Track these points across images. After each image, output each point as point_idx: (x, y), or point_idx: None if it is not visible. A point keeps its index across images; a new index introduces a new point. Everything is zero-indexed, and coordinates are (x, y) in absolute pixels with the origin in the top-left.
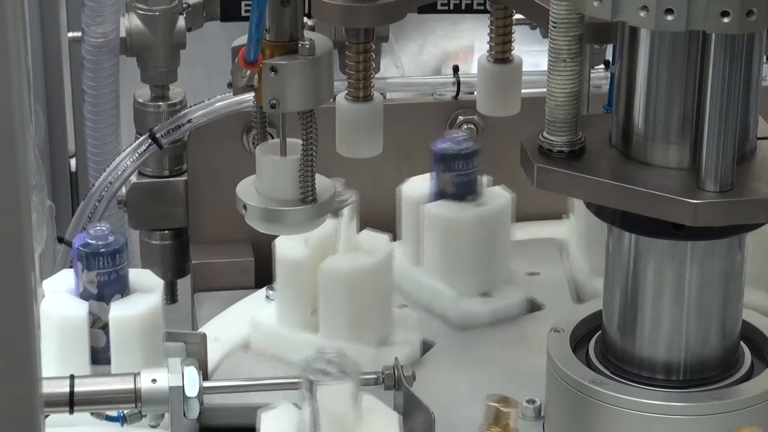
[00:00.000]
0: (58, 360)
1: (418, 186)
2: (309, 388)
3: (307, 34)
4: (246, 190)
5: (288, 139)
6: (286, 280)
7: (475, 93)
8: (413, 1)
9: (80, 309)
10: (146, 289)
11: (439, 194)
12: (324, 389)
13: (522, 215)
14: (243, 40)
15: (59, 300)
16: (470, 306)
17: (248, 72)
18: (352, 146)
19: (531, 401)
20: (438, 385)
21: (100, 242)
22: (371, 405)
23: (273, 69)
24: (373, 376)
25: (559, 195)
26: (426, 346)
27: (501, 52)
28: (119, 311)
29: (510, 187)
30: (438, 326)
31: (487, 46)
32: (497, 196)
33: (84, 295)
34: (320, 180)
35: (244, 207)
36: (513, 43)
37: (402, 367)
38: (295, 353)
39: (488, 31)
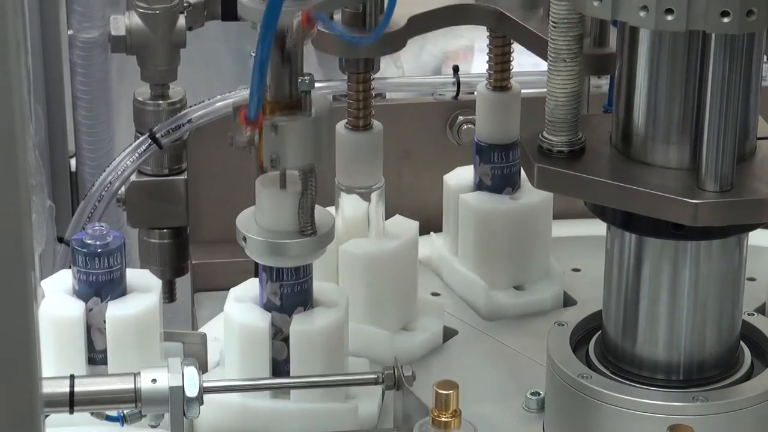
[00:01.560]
0: (56, 360)
1: (461, 176)
2: None
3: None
4: (246, 221)
5: (288, 172)
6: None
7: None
8: (412, 30)
9: (78, 309)
10: (144, 289)
11: (479, 185)
12: None
13: (569, 213)
14: (244, 99)
15: (57, 300)
16: (500, 298)
17: (249, 131)
18: (352, 175)
19: (535, 393)
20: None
21: (97, 242)
22: None
23: (274, 127)
24: (373, 376)
25: None
26: (450, 334)
27: (500, 80)
28: (115, 311)
29: None
30: (467, 315)
31: (488, 45)
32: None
33: (267, 306)
34: (319, 211)
35: (244, 239)
36: (511, 71)
37: (402, 367)
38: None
39: (487, 59)
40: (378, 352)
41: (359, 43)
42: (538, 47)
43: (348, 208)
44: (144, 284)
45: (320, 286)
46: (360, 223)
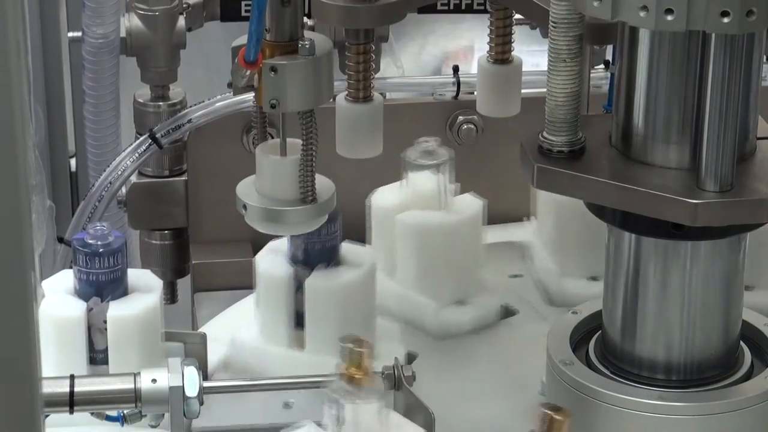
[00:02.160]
0: (57, 360)
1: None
2: (335, 408)
3: (307, 34)
4: (246, 190)
5: (288, 139)
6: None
7: (475, 93)
8: (413, 2)
9: (79, 309)
10: (145, 289)
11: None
12: (350, 408)
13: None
14: (243, 40)
15: (58, 300)
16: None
17: (248, 72)
18: (352, 147)
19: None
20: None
21: (99, 242)
22: (397, 421)
23: (273, 69)
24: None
25: (522, 197)
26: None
27: (501, 52)
28: (118, 311)
29: (497, 189)
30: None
31: (487, 47)
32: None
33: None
34: (320, 180)
35: (244, 207)
36: (513, 44)
37: (402, 366)
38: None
39: (488, 31)
40: (424, 322)
41: None
42: (538, 16)
43: (419, 183)
44: (145, 284)
45: (135, 273)
46: (430, 198)
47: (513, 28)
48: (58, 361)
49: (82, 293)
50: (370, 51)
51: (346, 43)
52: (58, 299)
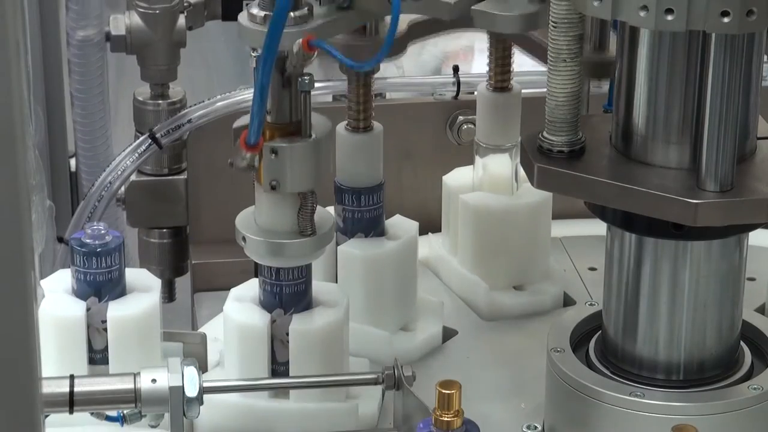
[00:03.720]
0: (57, 360)
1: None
2: None
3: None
4: (245, 221)
5: None
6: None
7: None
8: (413, 35)
9: (78, 309)
10: (144, 289)
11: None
12: None
13: (572, 212)
14: (243, 121)
15: (58, 300)
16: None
17: (248, 154)
18: (353, 176)
19: (532, 427)
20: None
21: (96, 241)
22: None
23: (273, 151)
24: (373, 376)
25: None
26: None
27: (500, 81)
28: (117, 311)
29: None
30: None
31: (488, 48)
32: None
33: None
34: (319, 212)
35: (243, 239)
36: (512, 72)
37: (402, 366)
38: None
39: (487, 60)
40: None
41: (360, 69)
42: (539, 52)
43: (491, 166)
44: (143, 284)
45: (133, 273)
46: (502, 180)
47: (513, 57)
48: (58, 361)
49: (80, 293)
50: (371, 83)
51: (347, 77)
52: (57, 299)
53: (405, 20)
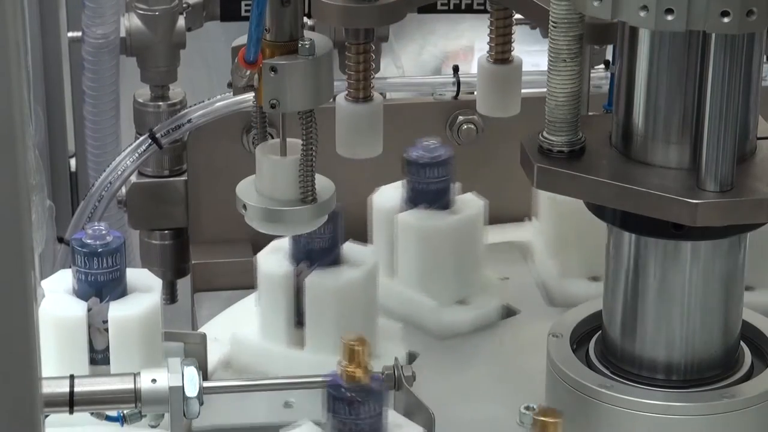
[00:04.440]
0: (58, 360)
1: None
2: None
3: (307, 34)
4: (246, 189)
5: (288, 139)
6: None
7: (475, 93)
8: (413, 2)
9: (79, 309)
10: (145, 289)
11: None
12: None
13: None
14: (243, 40)
15: (58, 300)
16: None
17: (248, 72)
18: (352, 147)
19: (529, 408)
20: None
21: (97, 242)
22: (397, 421)
23: (273, 69)
24: None
25: (522, 198)
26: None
27: (501, 52)
28: (118, 311)
29: (497, 189)
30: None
31: (487, 47)
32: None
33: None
34: (320, 180)
35: (244, 207)
36: (513, 44)
37: (402, 366)
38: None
39: (488, 31)
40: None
41: None
42: (538, 16)
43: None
44: (144, 284)
45: (134, 273)
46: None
47: (513, 28)
48: (58, 361)
49: (81, 293)
50: (370, 51)
51: (346, 43)
52: (58, 299)
53: None
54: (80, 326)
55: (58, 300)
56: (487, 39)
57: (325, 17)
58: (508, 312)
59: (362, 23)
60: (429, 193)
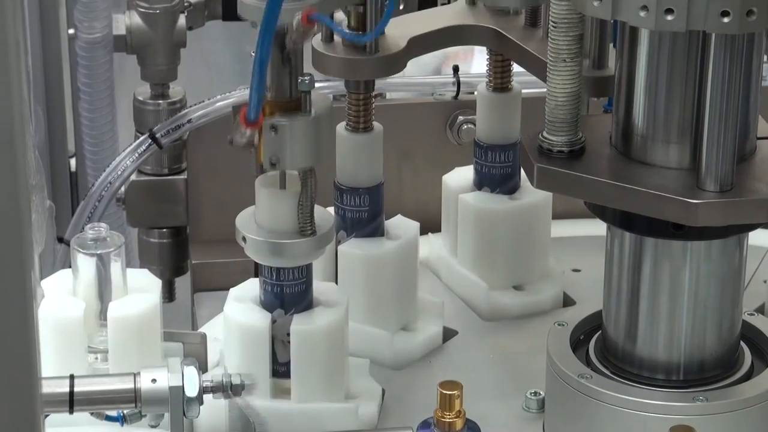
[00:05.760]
0: (56, 360)
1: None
2: None
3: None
4: (245, 221)
5: (287, 172)
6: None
7: (476, 120)
8: (413, 52)
9: (78, 309)
10: (144, 289)
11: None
12: None
13: (567, 213)
14: (243, 98)
15: (57, 300)
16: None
17: (248, 131)
18: (353, 175)
19: (535, 393)
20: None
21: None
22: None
23: (273, 128)
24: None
25: None
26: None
27: (500, 82)
28: (117, 311)
29: None
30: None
31: (487, 55)
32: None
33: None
34: (319, 211)
35: (244, 239)
36: (512, 74)
37: (231, 375)
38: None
39: (486, 63)
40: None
41: (360, 41)
42: (537, 68)
43: None
44: (144, 284)
45: (133, 273)
46: None
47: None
48: (57, 361)
49: (267, 305)
50: (371, 98)
51: (347, 92)
52: (57, 299)
53: (404, 36)
54: (78, 326)
55: (56, 300)
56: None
57: (326, 70)
58: (568, 302)
59: (363, 75)
60: (494, 177)
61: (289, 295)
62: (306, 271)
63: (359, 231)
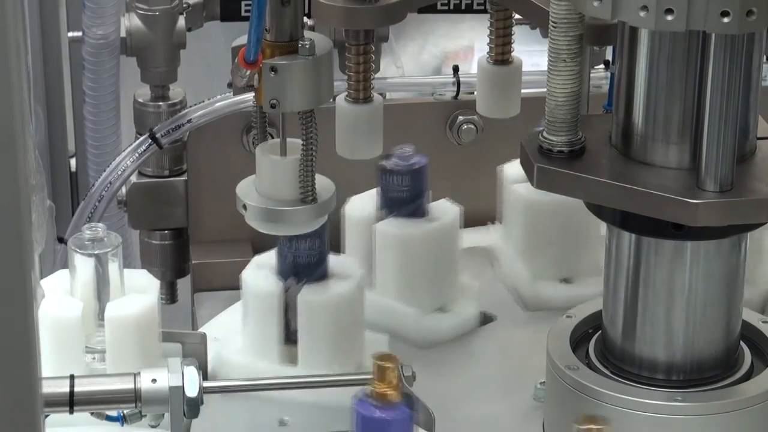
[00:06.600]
0: (55, 360)
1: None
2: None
3: (307, 34)
4: (246, 189)
5: (288, 139)
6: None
7: (475, 93)
8: (414, 2)
9: (76, 309)
10: (142, 290)
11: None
12: None
13: None
14: (243, 40)
15: (55, 300)
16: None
17: (248, 72)
18: (352, 147)
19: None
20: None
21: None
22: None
23: (273, 69)
24: (371, 376)
25: (487, 201)
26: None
27: (501, 53)
28: (115, 311)
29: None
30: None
31: (487, 47)
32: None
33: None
34: (320, 180)
35: (244, 207)
36: (513, 44)
37: (402, 367)
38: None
39: (488, 32)
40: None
41: None
42: (538, 17)
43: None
44: (142, 284)
45: (131, 273)
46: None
47: (513, 28)
48: (56, 361)
49: (282, 272)
50: (370, 51)
51: (346, 44)
52: (56, 299)
53: None
54: (76, 326)
55: (56, 300)
56: (487, 39)
57: (325, 18)
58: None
59: (362, 24)
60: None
61: (302, 265)
62: (319, 242)
63: (399, 210)
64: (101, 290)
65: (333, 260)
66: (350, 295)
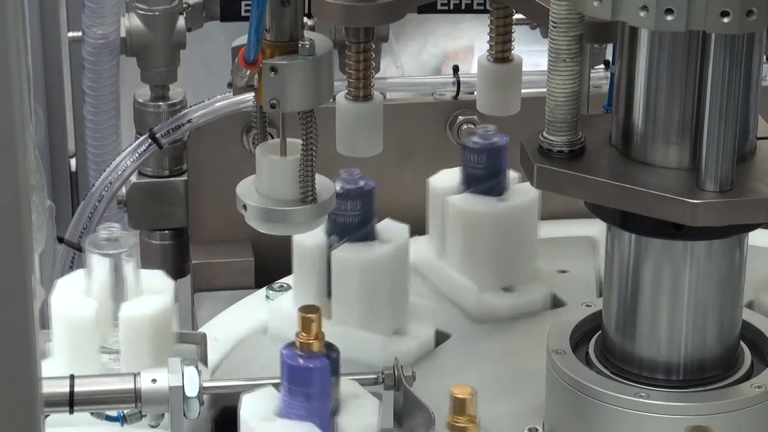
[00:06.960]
0: (69, 360)
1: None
2: None
3: (307, 34)
4: (246, 189)
5: (288, 139)
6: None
7: (475, 93)
8: (413, 1)
9: (90, 309)
10: (157, 290)
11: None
12: None
13: (554, 213)
14: (243, 39)
15: (69, 300)
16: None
17: (248, 72)
18: (352, 146)
19: (533, 429)
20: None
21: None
22: (352, 390)
23: (273, 69)
24: (373, 376)
25: None
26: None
27: (501, 51)
28: (130, 311)
29: None
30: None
31: (487, 46)
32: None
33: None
34: (320, 180)
35: (244, 207)
36: (513, 43)
37: (402, 367)
38: None
39: (488, 30)
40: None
41: None
42: (538, 16)
43: None
44: (157, 285)
45: (147, 274)
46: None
47: (513, 27)
48: (69, 361)
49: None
50: (370, 50)
51: (346, 42)
52: (69, 299)
53: None
54: (90, 325)
55: (69, 299)
56: (487, 38)
57: (325, 16)
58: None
59: (362, 22)
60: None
61: (342, 224)
62: (362, 204)
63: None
64: (117, 290)
65: (385, 225)
66: (383, 259)
